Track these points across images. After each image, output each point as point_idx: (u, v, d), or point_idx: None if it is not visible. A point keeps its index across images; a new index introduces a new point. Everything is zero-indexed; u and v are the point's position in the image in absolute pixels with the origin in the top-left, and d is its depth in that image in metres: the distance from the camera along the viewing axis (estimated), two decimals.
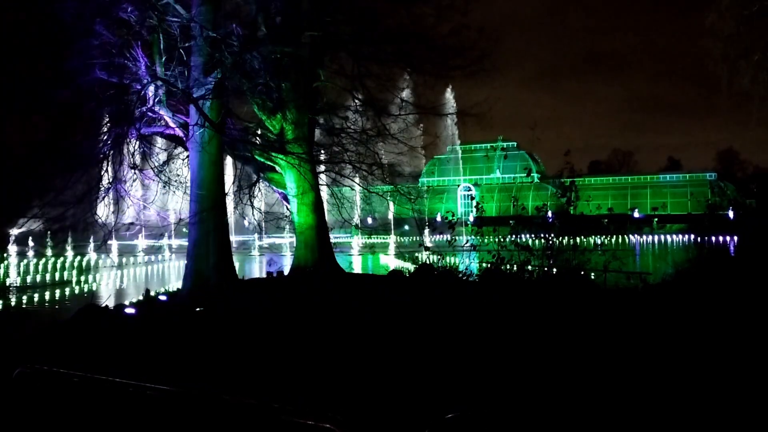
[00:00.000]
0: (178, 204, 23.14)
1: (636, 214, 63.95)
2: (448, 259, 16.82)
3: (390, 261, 34.64)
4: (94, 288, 25.25)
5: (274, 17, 17.78)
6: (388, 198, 23.65)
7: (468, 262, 13.45)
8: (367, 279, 21.55)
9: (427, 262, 26.90)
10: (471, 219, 14.51)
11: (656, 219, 62.09)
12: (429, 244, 40.59)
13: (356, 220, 25.41)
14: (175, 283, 22.87)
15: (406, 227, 54.57)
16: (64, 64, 14.97)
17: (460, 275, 18.54)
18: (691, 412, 6.22)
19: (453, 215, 12.67)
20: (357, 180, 23.10)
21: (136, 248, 47.46)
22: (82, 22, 14.68)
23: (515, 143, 73.39)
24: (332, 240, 22.05)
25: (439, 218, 65.33)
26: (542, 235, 11.13)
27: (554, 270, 10.86)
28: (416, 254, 35.83)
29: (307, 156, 18.73)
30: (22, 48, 15.24)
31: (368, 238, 48.90)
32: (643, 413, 6.27)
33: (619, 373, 7.34)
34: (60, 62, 15.25)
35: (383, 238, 48.49)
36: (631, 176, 73.39)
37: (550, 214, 11.79)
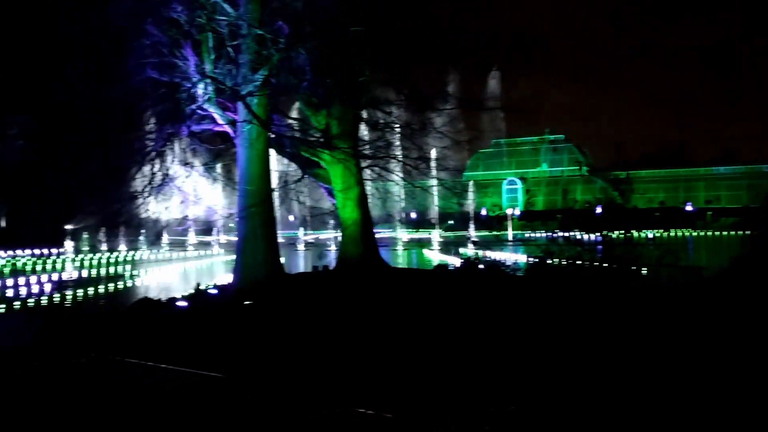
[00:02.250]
0: (226, 200, 23.58)
1: (689, 207, 62.18)
2: (494, 253, 16.68)
3: (435, 256, 34.55)
4: (146, 282, 25.95)
5: (319, 13, 17.89)
6: (433, 192, 23.59)
7: (515, 257, 13.31)
8: (412, 274, 21.56)
9: (473, 256, 26.76)
10: (517, 213, 14.35)
11: (710, 212, 60.24)
12: (474, 239, 40.51)
13: (400, 214, 25.44)
14: (223, 278, 23.32)
15: (451, 222, 54.37)
16: (119, 64, 15.41)
17: (507, 270, 18.42)
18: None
19: (500, 209, 12.50)
20: (401, 174, 23.12)
21: (185, 243, 48.56)
22: (135, 23, 15.09)
23: (563, 136, 72.14)
24: (376, 235, 22.11)
25: (484, 212, 65.01)
26: (593, 229, 10.92)
27: (605, 264, 10.64)
28: (461, 249, 35.77)
29: (352, 151, 18.80)
30: (80, 51, 15.73)
31: (415, 233, 48.93)
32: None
33: (677, 378, 7.14)
34: (114, 63, 15.70)
35: (428, 233, 48.41)
36: (683, 169, 71.19)
37: (599, 208, 11.56)
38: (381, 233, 37.47)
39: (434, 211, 49.47)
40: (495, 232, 50.94)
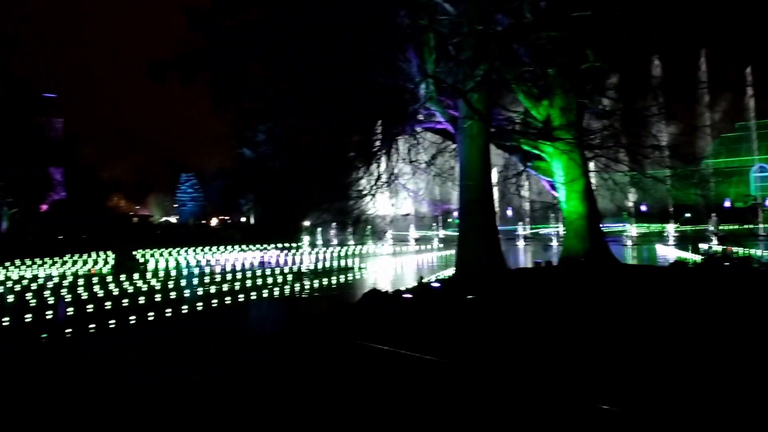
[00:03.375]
0: (446, 196, 24.01)
1: None
2: (743, 249, 14.80)
3: (669, 251, 31.71)
4: (372, 274, 27.48)
5: (539, 2, 17.39)
6: (667, 183, 21.68)
7: None
8: (643, 271, 20.00)
9: (716, 252, 24.05)
10: None
11: None
12: (717, 232, 36.42)
13: (630, 207, 23.80)
14: (444, 272, 23.80)
15: (688, 214, 49.52)
16: (351, 73, 16.52)
17: (761, 268, 16.23)
18: None
19: (756, 199, 11.03)
20: (631, 164, 21.59)
21: (407, 238, 50.62)
22: (363, 33, 16.03)
23: None
24: (604, 229, 20.89)
25: (727, 203, 58.10)
26: None
27: None
28: (701, 244, 32.38)
29: (576, 141, 17.99)
30: (319, 64, 17.15)
31: (647, 227, 45.50)
32: None
33: None
34: (345, 70, 16.85)
35: (661, 227, 44.66)
36: None
37: None
38: (609, 227, 35.38)
39: (669, 203, 45.49)
40: (743, 225, 45.34)
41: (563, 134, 17.46)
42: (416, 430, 6.26)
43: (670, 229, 42.46)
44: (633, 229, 42.74)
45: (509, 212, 49.20)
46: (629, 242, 39.40)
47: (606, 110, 19.87)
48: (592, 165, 20.02)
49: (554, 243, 38.15)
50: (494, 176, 19.51)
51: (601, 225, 19.83)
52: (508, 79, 17.84)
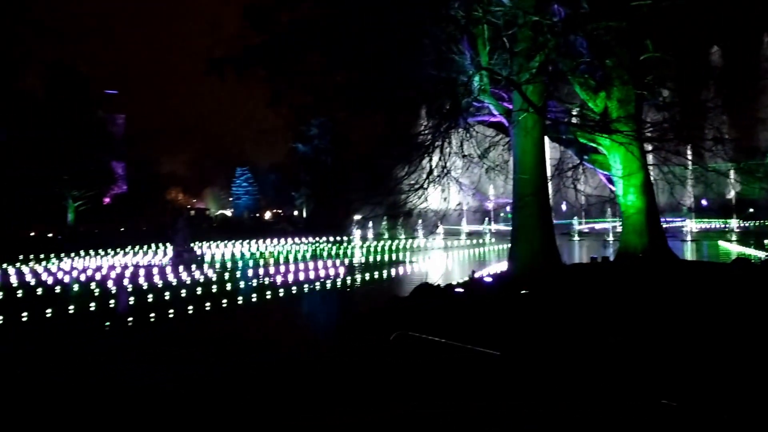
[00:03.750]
0: (498, 190, 23.79)
1: None
2: None
3: (732, 247, 30.62)
4: (424, 268, 27.49)
5: None
6: (730, 177, 20.90)
7: None
8: (704, 268, 19.36)
9: None
10: None
11: None
12: None
13: (690, 202, 23.10)
14: (496, 266, 23.62)
15: (751, 210, 47.65)
16: (402, 65, 16.53)
17: None
18: None
19: None
20: (690, 158, 20.91)
21: (459, 232, 50.34)
22: (417, 25, 15.99)
23: None
24: (663, 224, 20.30)
25: None
26: None
27: None
28: (765, 240, 31.11)
29: (635, 134, 17.52)
30: (369, 54, 17.23)
31: (708, 222, 44.01)
32: None
33: None
34: (398, 63, 16.87)
35: (723, 222, 43.10)
36: None
37: None
38: (668, 223, 34.29)
39: (731, 198, 43.87)
40: None
41: (621, 127, 17.02)
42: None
43: (733, 224, 40.97)
44: (693, 225, 41.41)
45: (564, 207, 48.35)
46: (689, 238, 38.21)
47: (666, 101, 19.28)
48: (650, 158, 19.48)
49: (611, 238, 37.34)
50: (549, 170, 19.18)
51: (660, 220, 19.29)
52: (565, 71, 17.50)
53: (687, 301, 12.20)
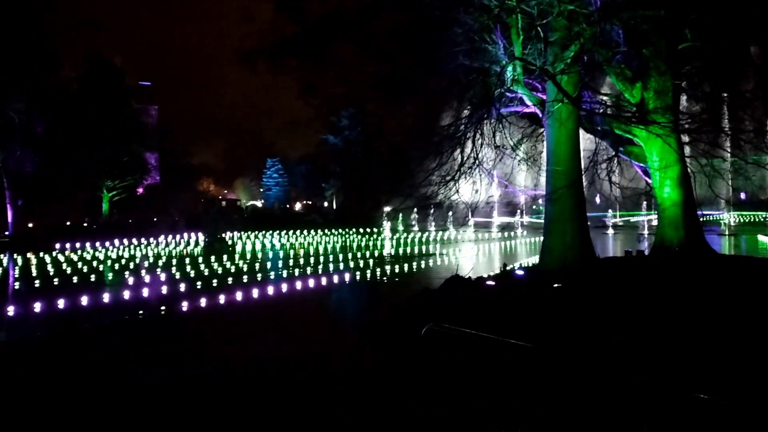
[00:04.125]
0: (531, 182, 23.52)
1: None
2: None
3: None
4: (453, 261, 27.37)
5: None
6: None
7: None
8: (742, 262, 18.87)
9: None
10: None
11: None
12: None
13: (729, 195, 22.55)
14: (527, 259, 23.40)
15: None
16: (433, 54, 16.38)
17: None
18: None
19: None
20: (730, 150, 20.33)
21: (490, 224, 50.01)
22: (449, 14, 15.82)
23: None
24: (701, 218, 19.83)
25: None
26: None
27: None
28: None
29: (672, 125, 17.10)
30: (400, 46, 17.14)
31: (747, 216, 42.96)
32: None
33: None
34: (429, 53, 16.73)
35: (763, 216, 42.02)
36: None
37: None
38: (706, 216, 33.49)
39: None
40: None
41: (658, 118, 16.61)
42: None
43: None
44: (732, 218, 40.47)
45: (598, 199, 47.68)
46: (727, 232, 37.35)
47: (705, 92, 18.78)
48: (688, 150, 19.02)
49: (645, 231, 36.70)
50: (583, 161, 18.86)
51: (698, 213, 18.85)
52: (600, 61, 17.16)
53: (723, 296, 11.89)
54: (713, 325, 9.79)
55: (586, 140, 22.83)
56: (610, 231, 42.42)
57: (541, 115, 17.23)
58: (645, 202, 37.29)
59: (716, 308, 10.96)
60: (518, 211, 49.01)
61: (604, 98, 19.49)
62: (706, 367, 7.68)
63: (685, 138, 18.66)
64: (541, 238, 18.32)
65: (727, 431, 5.36)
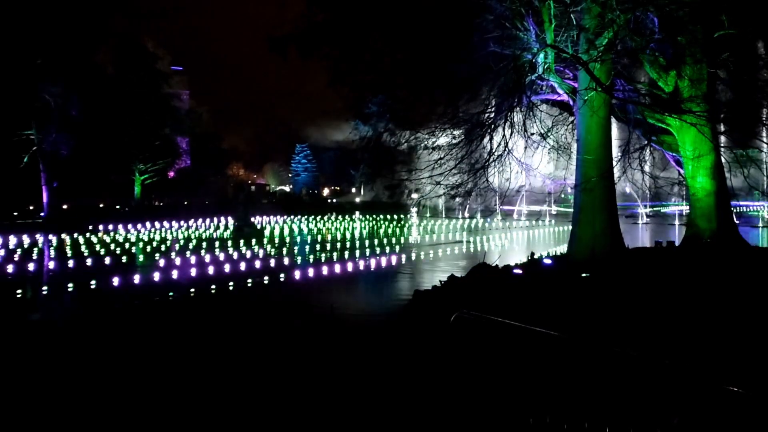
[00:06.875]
0: (561, 170, 23.33)
1: None
2: None
3: None
4: (480, 249, 27.33)
5: None
6: None
7: None
8: None
9: None
10: None
11: None
12: None
13: (764, 185, 22.12)
14: (555, 248, 23.27)
15: None
16: (464, 41, 16.31)
17: None
18: None
19: None
20: (766, 139, 19.91)
21: (519, 213, 49.73)
22: (480, 0, 15.71)
23: None
24: (734, 209, 19.52)
25: None
26: None
27: None
28: None
29: (707, 114, 16.80)
30: (425, 30, 17.09)
31: None
32: None
33: None
34: (460, 40, 16.65)
35: None
36: None
37: None
38: (743, 208, 32.88)
39: None
40: None
41: (693, 106, 16.34)
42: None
43: None
44: (767, 209, 39.65)
45: (628, 189, 47.09)
46: (761, 223, 36.61)
47: (741, 81, 18.38)
48: (723, 139, 18.68)
49: (677, 222, 36.16)
50: (614, 150, 18.64)
51: (731, 204, 18.55)
52: (634, 48, 16.90)
53: (756, 289, 11.73)
54: (743, 317, 9.69)
55: (617, 129, 22.55)
56: (641, 221, 41.87)
57: (572, 104, 17.06)
58: (677, 192, 36.71)
59: (746, 300, 10.83)
60: (547, 199, 48.64)
61: (638, 86, 19.20)
62: (736, 359, 7.63)
63: (720, 127, 18.33)
64: (570, 227, 18.20)
65: (757, 425, 5.34)
